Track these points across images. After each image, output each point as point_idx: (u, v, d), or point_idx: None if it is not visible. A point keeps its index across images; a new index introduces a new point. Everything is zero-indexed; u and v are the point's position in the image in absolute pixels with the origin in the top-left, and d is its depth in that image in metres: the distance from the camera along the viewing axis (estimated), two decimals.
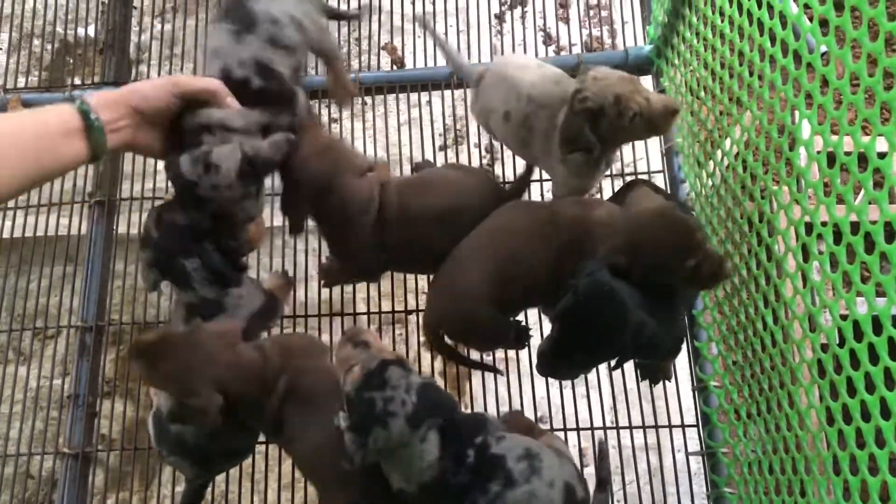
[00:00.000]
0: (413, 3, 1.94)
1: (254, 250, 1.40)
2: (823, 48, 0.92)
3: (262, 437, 1.61)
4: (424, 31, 1.72)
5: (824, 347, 0.99)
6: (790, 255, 1.10)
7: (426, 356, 1.79)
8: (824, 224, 0.96)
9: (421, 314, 1.41)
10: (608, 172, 1.77)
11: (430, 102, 1.83)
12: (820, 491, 1.01)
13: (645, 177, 1.68)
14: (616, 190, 1.42)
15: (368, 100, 1.89)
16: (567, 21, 2.16)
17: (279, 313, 1.38)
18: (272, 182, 1.35)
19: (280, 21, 1.28)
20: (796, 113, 1.04)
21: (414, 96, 1.83)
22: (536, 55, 1.56)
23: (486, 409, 1.57)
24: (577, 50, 2.07)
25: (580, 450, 1.70)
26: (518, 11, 2.22)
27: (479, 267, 1.23)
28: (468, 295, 1.24)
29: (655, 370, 1.38)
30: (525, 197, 1.45)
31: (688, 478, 1.53)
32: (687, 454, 1.51)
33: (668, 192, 1.60)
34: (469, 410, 1.83)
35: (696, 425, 1.49)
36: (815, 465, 1.04)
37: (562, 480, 1.10)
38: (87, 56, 2.22)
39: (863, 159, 0.85)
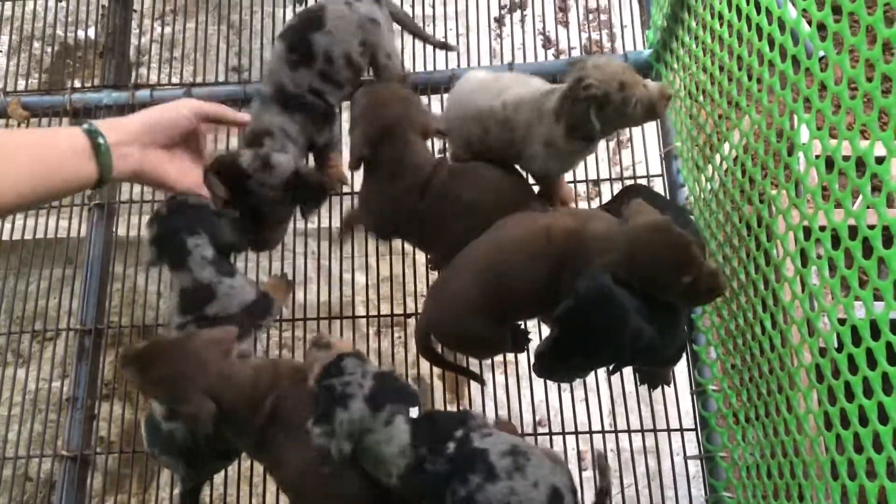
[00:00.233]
0: (413, 7, 1.94)
1: (264, 250, 1.46)
2: (822, 53, 0.92)
3: None
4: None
5: (822, 352, 0.99)
6: (788, 259, 1.10)
7: (425, 360, 1.79)
8: (822, 229, 0.96)
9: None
10: (607, 176, 1.78)
11: (429, 106, 1.83)
12: (818, 495, 1.01)
13: (644, 181, 1.68)
14: (615, 194, 1.43)
15: None
16: (566, 25, 2.17)
17: (272, 312, 1.38)
18: None
19: (335, 60, 1.44)
20: (795, 117, 1.04)
21: None
22: (536, 59, 1.57)
23: (484, 413, 1.57)
24: (576, 54, 2.07)
25: (579, 453, 1.70)
26: (518, 15, 2.22)
27: (470, 277, 1.24)
28: (458, 304, 1.25)
29: (655, 375, 1.39)
30: None
31: (686, 481, 1.53)
32: (685, 458, 1.51)
33: (668, 196, 1.60)
34: None
35: (695, 429, 1.49)
36: (813, 470, 1.04)
37: (549, 483, 1.10)
38: (88, 59, 2.22)
39: (861, 164, 0.85)
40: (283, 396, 1.17)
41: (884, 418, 0.82)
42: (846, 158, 0.88)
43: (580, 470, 1.67)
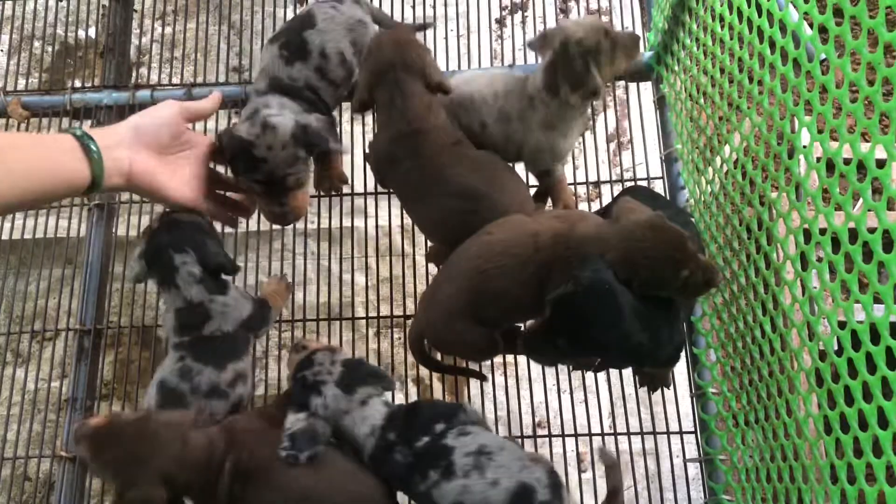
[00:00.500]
0: (413, 8, 1.94)
1: (298, 219, 1.41)
2: (823, 56, 0.92)
3: None
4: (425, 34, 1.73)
5: (822, 356, 0.99)
6: (789, 262, 1.10)
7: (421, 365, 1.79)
8: (823, 232, 0.96)
9: None
10: (607, 178, 1.78)
11: None
12: (817, 499, 1.01)
13: (644, 183, 1.68)
14: (615, 195, 1.42)
15: None
16: None
17: (269, 322, 1.39)
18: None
19: (329, 57, 1.42)
20: (795, 120, 1.04)
21: None
22: (537, 60, 1.55)
23: (483, 415, 1.57)
24: None
25: (578, 455, 1.70)
26: (518, 16, 2.22)
27: (458, 285, 1.24)
28: (448, 311, 1.25)
29: (654, 377, 1.39)
30: None
31: (686, 484, 1.53)
32: (685, 460, 1.50)
33: (668, 198, 1.60)
34: None
35: (694, 432, 1.49)
36: (813, 474, 1.04)
37: (514, 481, 1.10)
38: (88, 58, 2.22)
39: (862, 167, 0.85)
40: (240, 450, 1.15)
41: (883, 422, 0.82)
42: (847, 162, 0.88)
43: (580, 472, 1.67)
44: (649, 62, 1.68)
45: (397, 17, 1.95)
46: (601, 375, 1.70)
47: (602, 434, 1.55)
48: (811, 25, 0.94)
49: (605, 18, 2.15)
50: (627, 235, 1.12)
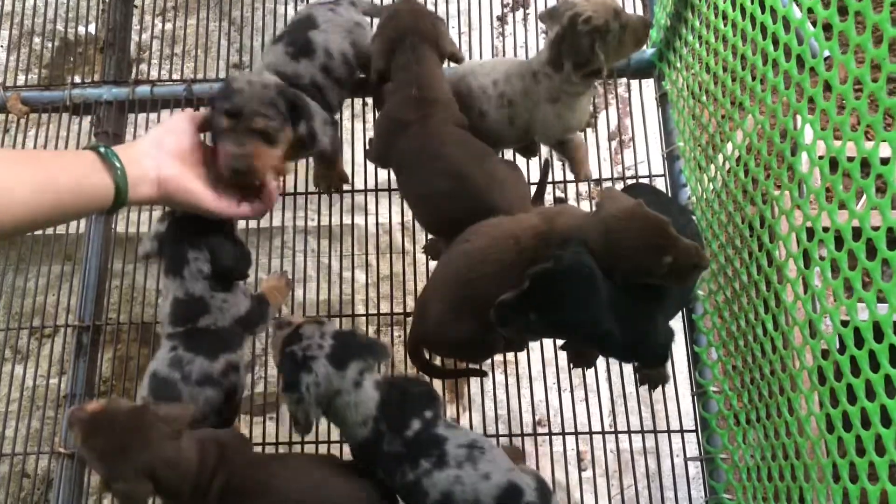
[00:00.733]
0: None
1: (253, 176, 1.24)
2: (826, 53, 0.92)
3: (258, 439, 1.60)
4: None
5: (825, 354, 0.98)
6: (791, 260, 1.10)
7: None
8: (826, 230, 0.95)
9: None
10: (609, 176, 1.77)
11: None
12: (819, 498, 1.00)
13: (646, 180, 1.67)
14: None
15: (370, 101, 1.88)
16: None
17: (267, 318, 1.38)
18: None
19: (334, 56, 1.42)
20: (798, 118, 1.03)
21: None
22: None
23: (484, 413, 1.57)
24: None
25: (578, 454, 1.70)
26: (520, 13, 2.22)
27: (444, 296, 1.25)
28: (437, 322, 1.25)
29: (652, 375, 1.38)
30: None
31: (686, 483, 1.52)
32: (686, 459, 1.50)
33: (669, 195, 1.60)
34: (467, 414, 1.83)
35: (695, 430, 1.48)
36: (815, 473, 1.03)
37: (505, 479, 1.11)
38: (88, 54, 2.22)
39: (865, 165, 0.84)
40: (232, 473, 1.14)
41: (886, 421, 0.82)
42: (851, 159, 0.87)
43: (580, 471, 1.66)
44: (651, 59, 1.68)
45: None
46: (602, 374, 1.70)
47: (603, 432, 1.54)
48: (814, 22, 0.94)
49: None
50: (607, 226, 1.11)
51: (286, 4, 1.96)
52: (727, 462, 1.38)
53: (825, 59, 0.93)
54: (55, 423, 1.74)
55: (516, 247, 1.18)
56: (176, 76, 2.15)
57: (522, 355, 1.52)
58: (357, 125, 1.98)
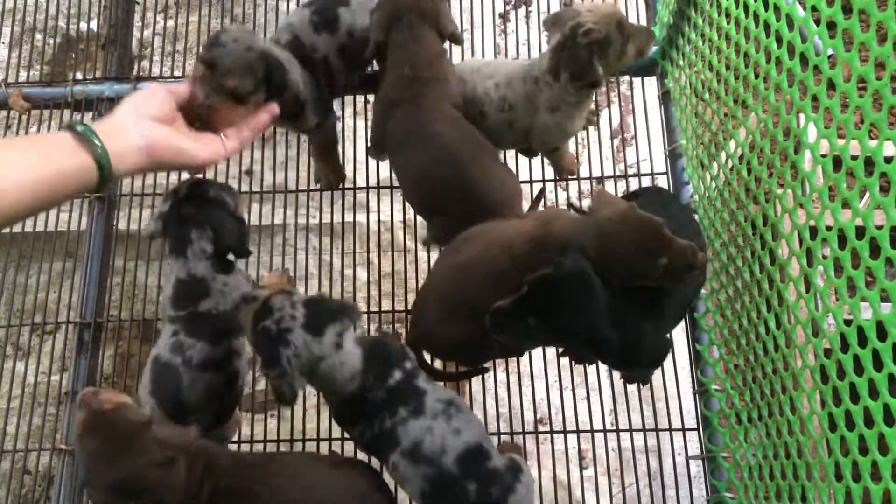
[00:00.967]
0: None
1: (209, 128, 1.24)
2: (830, 51, 0.91)
3: (259, 436, 1.60)
4: None
5: (827, 353, 0.98)
6: (794, 259, 1.09)
7: (427, 356, 1.78)
8: (829, 228, 0.95)
9: None
10: (611, 174, 1.77)
11: None
12: (821, 497, 1.00)
13: (648, 179, 1.67)
14: (621, 191, 1.42)
15: (371, 98, 1.88)
16: None
17: None
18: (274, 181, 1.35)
19: (355, 38, 1.41)
20: (802, 116, 1.03)
21: None
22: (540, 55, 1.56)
23: (485, 411, 1.56)
24: None
25: (580, 452, 1.69)
26: (522, 11, 2.21)
27: (436, 299, 1.26)
28: (431, 325, 1.27)
29: (636, 376, 1.39)
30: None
31: (688, 481, 1.52)
32: (687, 458, 1.50)
33: (672, 193, 1.60)
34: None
35: (697, 429, 1.48)
36: (817, 471, 1.03)
37: (475, 440, 1.12)
38: (90, 51, 2.21)
39: (869, 163, 0.84)
40: (220, 476, 1.13)
41: (889, 419, 0.81)
42: (854, 157, 0.87)
43: (581, 469, 1.66)
44: (654, 57, 1.67)
45: None
46: (603, 372, 1.69)
47: (604, 431, 1.54)
48: (818, 20, 0.93)
49: None
50: (601, 230, 1.11)
51: (288, 1, 1.96)
52: (729, 460, 1.38)
53: (828, 57, 0.93)
54: (56, 419, 1.74)
55: (510, 252, 1.18)
56: (178, 73, 2.15)
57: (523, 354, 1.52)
58: (359, 123, 1.98)
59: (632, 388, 1.52)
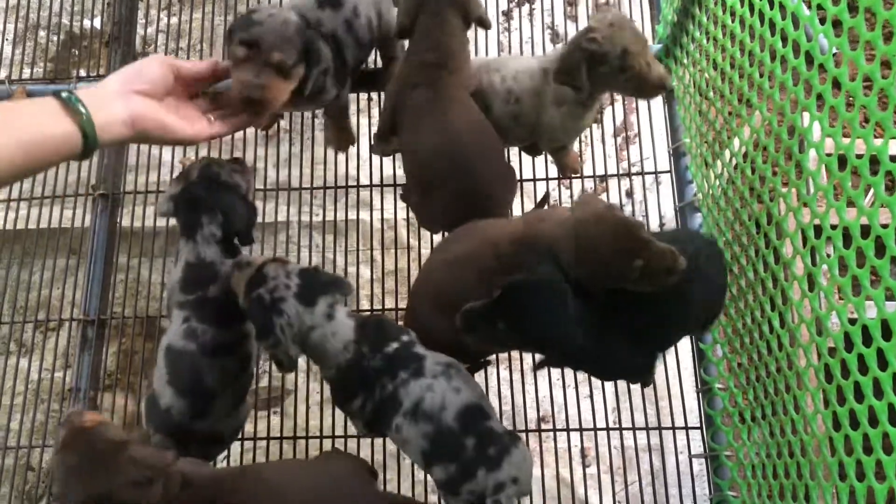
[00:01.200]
0: None
1: (266, 108, 1.26)
2: (835, 49, 0.91)
3: (263, 433, 1.60)
4: None
5: (832, 352, 0.98)
6: (798, 257, 1.09)
7: None
8: (834, 227, 0.95)
9: None
10: (614, 172, 1.77)
11: None
12: (825, 496, 1.00)
13: (651, 177, 1.67)
14: (624, 190, 1.42)
15: (375, 96, 1.88)
16: (575, 19, 2.15)
17: None
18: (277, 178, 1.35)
19: (360, 14, 1.40)
20: (807, 114, 1.03)
21: None
22: (544, 52, 1.56)
23: None
24: None
25: (582, 450, 1.70)
26: (526, 8, 2.21)
27: (426, 297, 1.27)
28: (422, 322, 1.27)
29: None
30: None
31: (690, 480, 1.52)
32: (690, 456, 1.50)
33: (675, 192, 1.59)
34: None
35: (700, 427, 1.48)
36: (821, 470, 1.03)
37: (474, 399, 1.14)
38: (93, 48, 2.21)
39: (874, 162, 0.84)
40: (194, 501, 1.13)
41: (894, 419, 0.82)
42: (859, 156, 0.87)
43: (584, 467, 1.66)
44: (658, 55, 1.67)
45: None
46: None
47: (607, 429, 1.54)
48: (823, 20, 0.93)
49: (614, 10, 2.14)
50: (577, 231, 1.10)
51: None
52: (732, 459, 1.38)
53: (834, 55, 0.93)
54: (60, 416, 1.74)
55: (495, 252, 1.18)
56: None
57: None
58: (362, 120, 1.98)
59: (634, 386, 1.52)
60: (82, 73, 1.99)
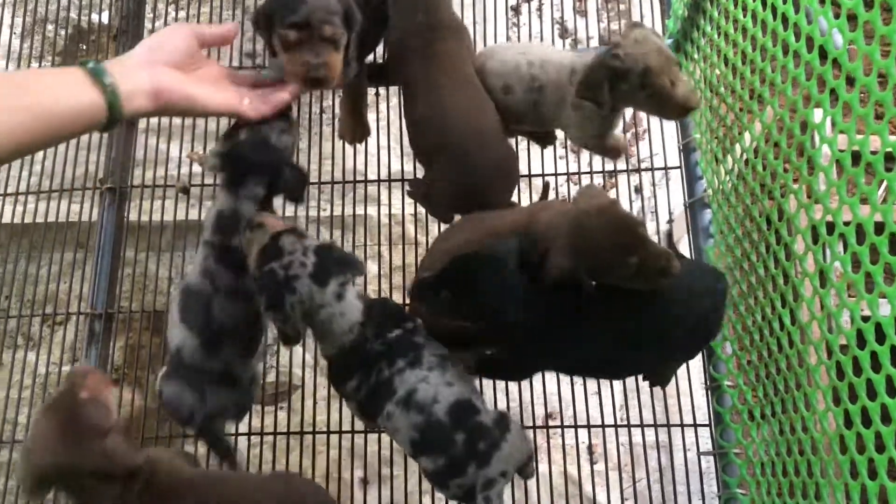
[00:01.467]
0: None
1: (330, 82, 1.26)
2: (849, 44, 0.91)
3: (270, 428, 1.60)
4: None
5: (843, 349, 0.97)
6: (810, 254, 1.08)
7: None
8: (847, 224, 0.94)
9: None
10: (623, 166, 1.76)
11: None
12: (836, 494, 1.00)
13: (661, 173, 1.66)
14: (633, 185, 1.41)
15: (382, 91, 1.88)
16: (584, 14, 2.14)
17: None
18: None
19: None
20: (820, 110, 1.02)
21: None
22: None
23: (495, 405, 1.56)
24: (594, 43, 2.05)
25: (590, 447, 1.69)
26: (534, 3, 2.20)
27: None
28: (425, 312, 1.26)
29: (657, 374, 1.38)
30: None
31: (698, 477, 1.51)
32: (699, 453, 1.49)
33: (685, 188, 1.58)
34: None
35: (708, 425, 1.48)
36: (832, 469, 1.02)
37: (465, 394, 1.14)
38: (101, 42, 2.21)
39: (889, 158, 0.83)
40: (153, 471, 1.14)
41: None
42: (874, 153, 0.86)
43: (591, 464, 1.66)
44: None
45: None
46: None
47: (615, 426, 1.53)
48: (837, 15, 0.92)
49: (622, 6, 2.13)
50: (577, 221, 1.10)
51: None
52: (741, 457, 1.37)
53: (847, 50, 0.92)
54: None
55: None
56: None
57: None
58: (370, 115, 1.98)
59: (643, 383, 1.52)
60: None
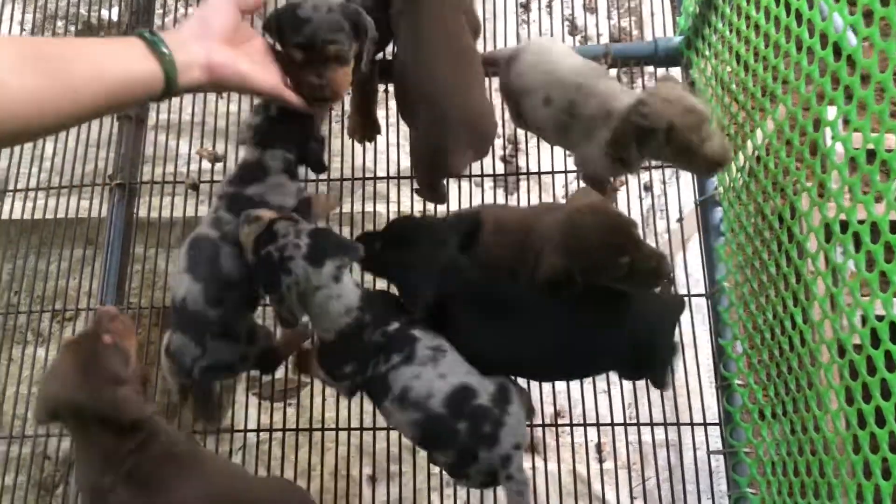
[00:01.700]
0: None
1: (335, 98, 1.28)
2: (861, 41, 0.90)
3: (278, 425, 1.60)
4: None
5: (857, 348, 0.96)
6: (822, 253, 1.08)
7: None
8: (861, 222, 0.93)
9: None
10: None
11: None
12: (849, 494, 0.99)
13: (671, 170, 1.65)
14: (643, 183, 1.40)
15: (391, 88, 1.87)
16: (594, 11, 2.13)
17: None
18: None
19: None
20: (832, 107, 1.01)
21: None
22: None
23: None
24: (604, 40, 2.04)
25: (599, 445, 1.69)
26: (545, 0, 2.19)
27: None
28: None
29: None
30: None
31: (708, 476, 1.51)
32: (708, 452, 1.49)
33: (696, 186, 1.58)
34: None
35: (718, 423, 1.47)
36: (844, 468, 1.01)
37: (459, 379, 1.14)
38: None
39: None
40: (143, 461, 1.15)
41: None
42: (889, 150, 0.85)
43: (600, 462, 1.65)
44: (679, 47, 1.65)
45: None
46: None
47: (624, 424, 1.53)
48: (852, 13, 0.91)
49: (632, 3, 2.12)
50: (570, 221, 1.10)
51: None
52: (751, 456, 1.37)
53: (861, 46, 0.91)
54: None
55: (504, 236, 1.21)
56: None
57: None
58: (379, 112, 1.97)
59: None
60: None
